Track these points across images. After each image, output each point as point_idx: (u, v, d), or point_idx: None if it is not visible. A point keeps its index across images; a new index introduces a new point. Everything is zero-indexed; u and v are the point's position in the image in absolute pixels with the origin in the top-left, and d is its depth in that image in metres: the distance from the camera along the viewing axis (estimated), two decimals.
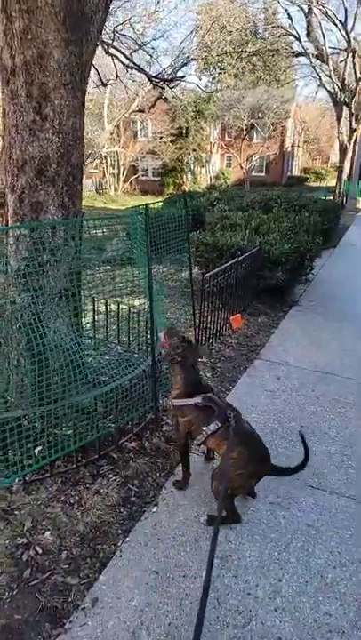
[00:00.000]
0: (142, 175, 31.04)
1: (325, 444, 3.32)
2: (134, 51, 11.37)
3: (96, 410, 3.20)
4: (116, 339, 4.57)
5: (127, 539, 2.45)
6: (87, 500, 2.68)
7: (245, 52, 18.49)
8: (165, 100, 25.15)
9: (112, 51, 10.24)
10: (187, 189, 26.62)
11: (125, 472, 2.93)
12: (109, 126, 22.83)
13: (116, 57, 10.44)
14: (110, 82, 12.89)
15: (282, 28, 18.84)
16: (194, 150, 30.05)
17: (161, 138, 27.87)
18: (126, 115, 23.51)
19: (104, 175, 29.32)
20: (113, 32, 10.79)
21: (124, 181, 29.46)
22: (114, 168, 29.03)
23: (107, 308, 4.65)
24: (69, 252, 3.14)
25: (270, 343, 5.18)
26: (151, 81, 10.72)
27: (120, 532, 2.50)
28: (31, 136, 2.79)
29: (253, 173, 32.95)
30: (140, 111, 23.71)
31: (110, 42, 10.39)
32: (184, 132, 28.59)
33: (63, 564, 2.29)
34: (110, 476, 2.89)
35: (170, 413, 2.98)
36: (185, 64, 19.80)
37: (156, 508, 2.67)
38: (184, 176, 30.72)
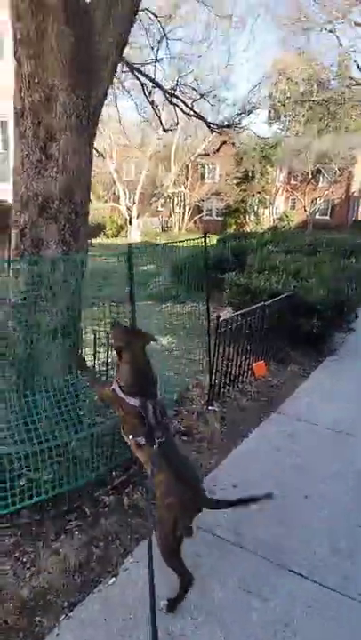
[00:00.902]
0: (206, 215, 31.70)
1: (325, 523, 2.89)
2: (196, 100, 11.83)
3: (82, 454, 3.07)
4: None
5: (71, 614, 2.19)
6: (42, 559, 2.46)
7: (312, 100, 18.65)
8: (232, 144, 25.83)
9: (174, 100, 10.69)
10: (248, 230, 26.75)
11: (93, 531, 2.69)
12: (175, 168, 23.72)
13: (177, 105, 10.86)
14: (172, 128, 13.47)
15: (351, 79, 18.87)
16: (258, 193, 30.33)
17: (226, 180, 28.51)
18: (192, 158, 24.35)
19: (170, 214, 30.32)
20: (177, 82, 11.32)
21: (189, 220, 30.24)
22: (179, 207, 29.96)
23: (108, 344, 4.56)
24: (68, 288, 3.13)
25: (295, 395, 4.82)
26: (210, 127, 11.01)
27: (66, 604, 2.25)
28: (36, 174, 2.85)
29: (317, 216, 32.47)
30: (205, 155, 24.48)
31: (172, 91, 10.87)
32: (250, 175, 29.05)
33: None
34: (76, 533, 2.67)
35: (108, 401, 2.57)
36: (250, 112, 20.34)
37: (114, 579, 2.39)
38: (247, 217, 30.97)
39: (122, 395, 2.32)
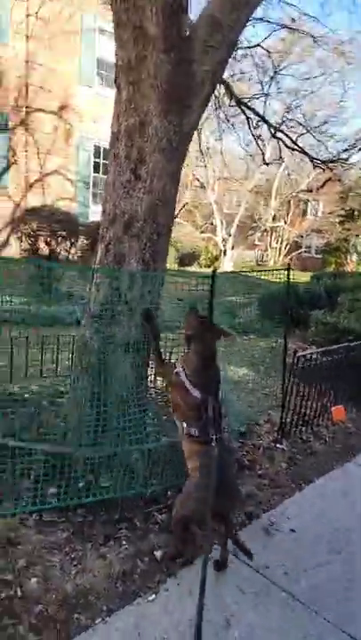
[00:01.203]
0: (305, 252, 31.02)
1: None
2: (301, 134, 11.80)
3: (140, 465, 3.07)
4: None
5: (108, 619, 2.19)
6: (89, 560, 2.51)
7: None
8: (339, 181, 25.21)
9: (279, 134, 10.77)
10: (349, 270, 25.60)
11: (141, 544, 2.67)
12: (275, 203, 23.69)
13: (281, 140, 10.94)
14: (274, 161, 13.55)
15: None
16: None
17: (329, 218, 27.72)
18: (294, 193, 24.14)
19: (267, 248, 30.17)
20: (283, 117, 11.40)
21: (285, 256, 29.81)
22: (277, 242, 29.70)
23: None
24: (144, 304, 3.21)
25: None
26: (313, 162, 10.87)
27: (105, 608, 2.25)
28: (125, 193, 3.02)
29: None
30: (308, 191, 24.14)
31: (278, 125, 10.97)
32: (355, 214, 27.97)
33: (33, 618, 2.14)
34: (124, 542, 2.67)
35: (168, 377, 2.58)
36: None
37: (153, 596, 2.34)
38: (348, 257, 29.69)
39: (186, 382, 2.28)
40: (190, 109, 2.96)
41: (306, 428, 4.50)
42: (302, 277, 14.12)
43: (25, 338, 4.70)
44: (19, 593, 2.25)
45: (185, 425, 2.32)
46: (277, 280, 4.53)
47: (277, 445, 4.10)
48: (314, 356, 4.30)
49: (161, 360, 2.91)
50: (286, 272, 4.19)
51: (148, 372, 3.64)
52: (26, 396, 4.29)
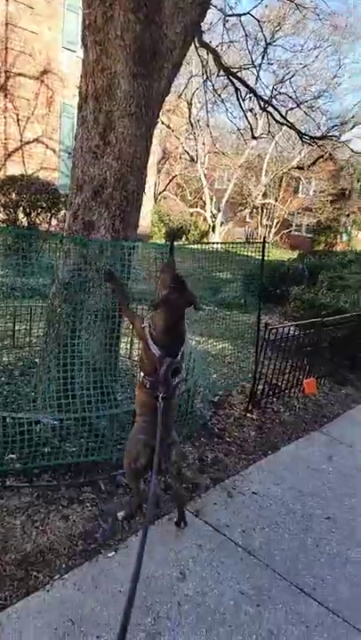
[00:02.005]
0: (295, 230, 30.90)
1: (345, 546, 2.67)
2: (291, 108, 11.62)
3: (106, 431, 3.12)
4: None
5: (65, 575, 2.26)
6: (51, 522, 2.56)
7: None
8: (331, 160, 24.97)
9: (269, 108, 10.58)
10: (338, 250, 25.62)
11: (104, 506, 2.75)
12: (266, 179, 23.40)
13: (271, 114, 10.76)
14: (263, 136, 13.34)
15: None
16: (353, 212, 28.95)
17: (320, 196, 27.54)
18: (284, 170, 23.86)
19: (257, 226, 29.98)
20: (273, 89, 11.20)
21: (275, 234, 29.68)
22: (267, 220, 29.51)
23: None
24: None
25: (343, 417, 4.50)
26: (301, 138, 10.73)
27: (64, 566, 2.32)
28: (93, 159, 2.97)
29: None
30: (299, 168, 23.88)
31: (268, 98, 10.77)
32: (346, 193, 27.83)
33: None
34: (87, 504, 2.74)
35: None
36: (354, 126, 19.53)
37: (113, 553, 2.42)
38: (338, 237, 29.67)
39: (149, 338, 2.37)
40: (161, 73, 2.90)
41: (278, 399, 4.59)
42: (289, 255, 14.13)
43: None
44: None
45: (141, 374, 2.42)
46: (265, 258, 4.54)
47: (248, 415, 4.19)
48: (286, 330, 4.34)
49: (131, 311, 2.85)
50: (262, 247, 4.20)
51: (121, 342, 3.67)
52: None
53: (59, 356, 3.28)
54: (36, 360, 4.23)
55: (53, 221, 8.58)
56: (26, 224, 8.18)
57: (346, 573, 2.49)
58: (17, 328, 4.80)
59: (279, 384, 4.58)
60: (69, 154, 12.94)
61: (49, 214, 8.44)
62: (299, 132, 10.90)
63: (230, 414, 4.21)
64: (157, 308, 2.36)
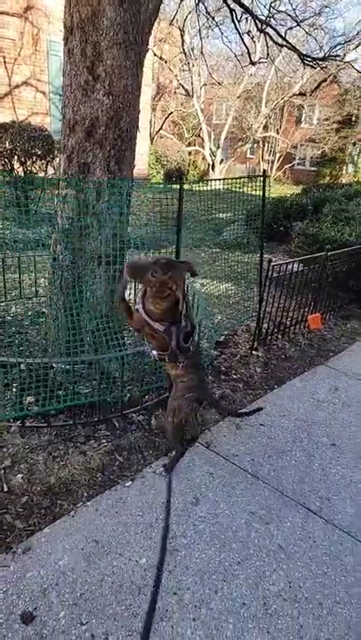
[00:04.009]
0: (298, 164, 29.72)
1: (350, 470, 2.83)
2: (290, 28, 10.77)
3: (117, 372, 3.23)
4: None
5: (88, 503, 2.44)
6: (70, 457, 2.73)
7: None
8: (336, 83, 23.51)
9: (267, 29, 9.84)
10: (344, 182, 24.73)
11: (119, 441, 2.90)
12: (266, 109, 22.17)
13: (269, 35, 10.02)
14: (262, 60, 12.49)
15: None
16: (360, 141, 27.61)
17: (325, 125, 26.18)
18: (286, 98, 22.54)
19: (259, 161, 28.84)
20: (270, 7, 10.36)
21: (278, 169, 28.59)
22: (269, 154, 28.32)
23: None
24: (113, 217, 3.17)
25: (348, 351, 4.58)
26: (302, 59, 10.04)
27: (85, 495, 2.50)
28: (83, 96, 2.84)
29: None
30: (301, 95, 22.54)
31: (265, 18, 9.99)
32: (353, 119, 26.40)
33: (19, 507, 2.38)
34: (103, 441, 2.90)
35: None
36: (359, 45, 18.13)
37: (130, 483, 2.60)
38: (344, 168, 28.53)
39: (147, 318, 2.41)
40: None
41: (283, 336, 4.66)
42: (293, 191, 13.70)
43: (1, 261, 4.69)
44: (5, 488, 2.48)
45: (156, 353, 2.52)
46: (266, 194, 4.42)
47: (253, 352, 4.28)
48: (290, 266, 4.33)
49: (130, 312, 2.65)
50: (262, 181, 4.09)
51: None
52: (8, 318, 4.37)
53: (65, 303, 3.32)
54: (44, 310, 4.29)
55: (50, 170, 8.32)
56: (22, 173, 7.94)
57: (350, 494, 2.65)
58: (23, 279, 4.82)
59: (284, 321, 4.63)
60: (60, 95, 12.29)
61: (44, 162, 8.16)
62: (300, 54, 10.19)
63: (236, 353, 4.30)
64: (144, 293, 2.36)
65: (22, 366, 3.04)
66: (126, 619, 1.84)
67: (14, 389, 3.10)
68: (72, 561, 2.10)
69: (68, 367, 3.18)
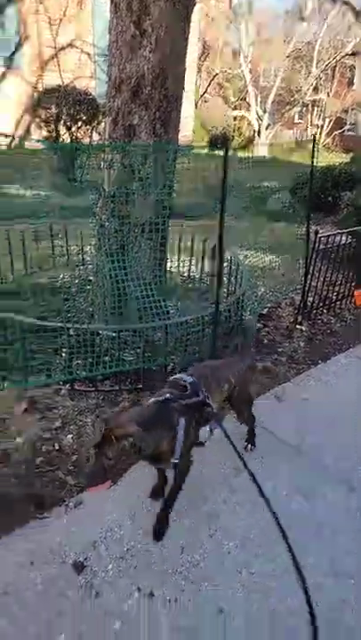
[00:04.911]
0: (349, 130, 28.09)
1: None
2: None
3: (161, 341, 3.26)
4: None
5: (134, 465, 2.50)
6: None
7: None
8: None
9: None
10: None
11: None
12: (316, 70, 20.89)
13: None
14: (313, 17, 11.71)
15: None
16: None
17: None
18: (338, 58, 21.10)
19: (307, 127, 27.50)
20: None
21: (327, 135, 27.18)
22: (319, 119, 26.90)
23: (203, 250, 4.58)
24: (157, 183, 3.12)
25: None
26: (357, 16, 9.34)
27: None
28: (129, 53, 2.76)
29: None
30: (353, 55, 21.02)
31: None
32: None
33: (70, 465, 2.49)
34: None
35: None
36: None
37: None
38: None
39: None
40: None
41: (328, 310, 4.53)
42: (342, 159, 13.06)
43: (49, 229, 4.77)
44: (56, 447, 2.59)
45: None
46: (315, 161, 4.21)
47: (297, 326, 4.20)
48: (337, 238, 4.15)
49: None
50: (312, 147, 3.90)
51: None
52: (57, 284, 4.48)
53: (110, 270, 3.34)
54: (90, 277, 4.35)
55: (95, 136, 8.27)
56: (68, 139, 7.94)
57: None
58: (70, 247, 4.90)
59: (330, 295, 4.49)
60: (105, 57, 12.07)
61: (90, 127, 8.12)
62: (353, 9, 9.48)
63: (280, 326, 4.23)
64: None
65: (71, 332, 3.12)
66: (170, 575, 1.92)
67: (64, 354, 3.19)
68: (119, 517, 2.18)
69: (113, 334, 3.24)
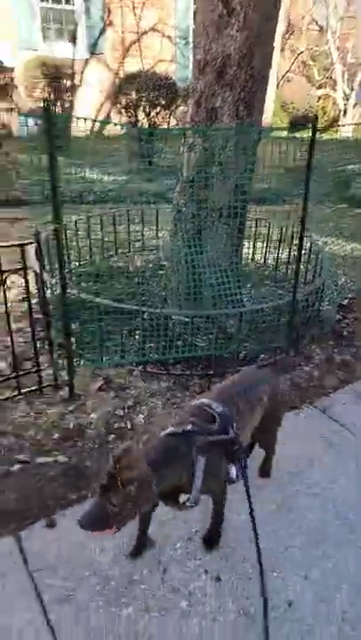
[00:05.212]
0: None
1: None
2: None
3: (234, 328, 3.22)
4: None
5: None
6: (186, 404, 2.83)
7: None
8: None
9: None
10: None
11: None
12: None
13: None
14: None
15: None
16: None
17: None
18: None
19: None
20: None
21: None
22: None
23: (280, 237, 4.41)
24: (238, 167, 3.04)
25: None
26: None
27: None
28: (216, 33, 2.69)
29: None
30: None
31: None
32: None
33: (141, 443, 2.56)
34: None
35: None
36: None
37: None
38: None
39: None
40: None
41: None
42: None
43: (127, 213, 4.87)
44: (128, 425, 2.67)
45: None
46: None
47: None
48: None
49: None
50: None
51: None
52: (131, 269, 4.57)
53: (186, 255, 3.34)
54: (164, 262, 4.40)
55: (172, 121, 8.29)
56: (146, 124, 8.04)
57: None
58: (146, 232, 4.98)
59: None
60: (185, 39, 11.98)
61: (168, 112, 8.14)
62: None
63: (360, 318, 4.00)
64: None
65: (145, 315, 3.17)
66: (237, 562, 1.90)
67: (137, 336, 3.26)
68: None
69: (186, 319, 3.25)
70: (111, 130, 9.74)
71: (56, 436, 2.53)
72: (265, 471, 2.27)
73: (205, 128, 2.87)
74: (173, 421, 1.69)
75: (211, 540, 1.95)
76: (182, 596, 1.75)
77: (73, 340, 2.82)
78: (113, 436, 2.60)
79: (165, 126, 8.73)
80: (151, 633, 1.62)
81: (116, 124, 7.10)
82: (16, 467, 2.30)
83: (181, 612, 1.70)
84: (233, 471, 1.76)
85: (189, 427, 1.64)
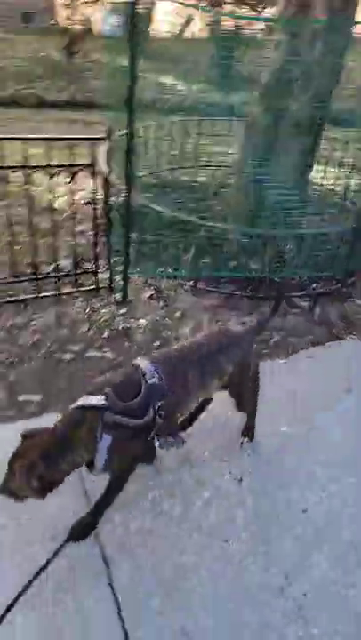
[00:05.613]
0: None
1: None
2: None
3: (292, 253, 3.13)
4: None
5: None
6: (232, 324, 2.83)
7: None
8: None
9: None
10: None
11: (283, 321, 2.90)
12: None
13: None
14: None
15: None
16: None
17: None
18: None
19: None
20: None
21: None
22: None
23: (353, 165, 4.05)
24: (323, 73, 2.75)
25: None
26: None
27: None
28: None
29: None
30: None
31: None
32: None
33: None
34: None
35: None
36: None
37: (284, 360, 2.64)
38: None
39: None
40: None
41: None
42: None
43: (198, 125, 4.61)
44: (173, 335, 2.76)
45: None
46: None
47: None
48: None
49: None
50: None
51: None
52: (193, 184, 4.44)
53: (253, 169, 3.18)
54: (228, 181, 4.22)
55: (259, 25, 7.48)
56: (232, 28, 7.32)
57: None
58: (215, 148, 4.73)
59: None
60: None
61: (256, 13, 7.36)
62: None
63: None
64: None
65: (203, 231, 3.13)
66: (259, 464, 2.00)
67: (193, 252, 3.25)
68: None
69: (244, 240, 3.17)
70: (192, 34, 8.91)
71: (106, 334, 2.67)
72: (247, 434, 2.09)
73: (294, 21, 2.59)
74: (91, 387, 1.52)
75: (80, 528, 1.62)
76: (206, 489, 1.88)
77: (131, 247, 2.86)
78: (158, 342, 2.70)
79: (248, 32, 7.92)
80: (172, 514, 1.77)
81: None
82: (67, 356, 2.48)
83: (203, 501, 1.83)
84: (157, 442, 1.61)
85: (101, 400, 1.44)
